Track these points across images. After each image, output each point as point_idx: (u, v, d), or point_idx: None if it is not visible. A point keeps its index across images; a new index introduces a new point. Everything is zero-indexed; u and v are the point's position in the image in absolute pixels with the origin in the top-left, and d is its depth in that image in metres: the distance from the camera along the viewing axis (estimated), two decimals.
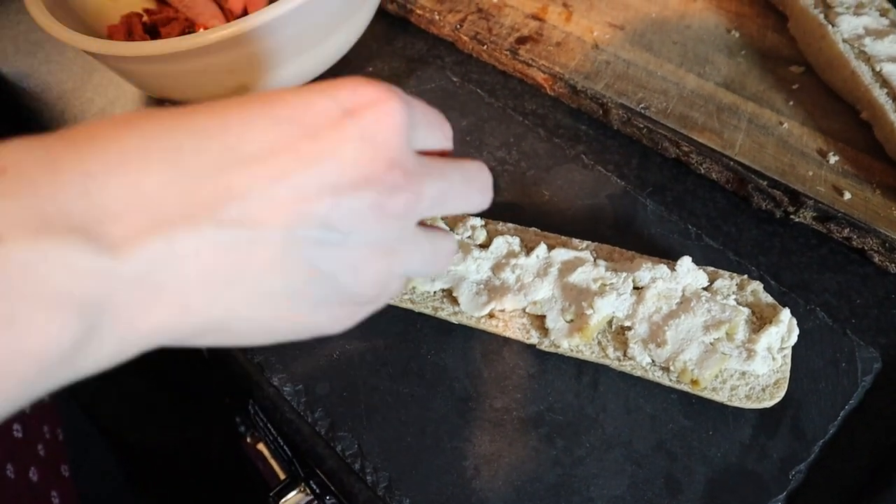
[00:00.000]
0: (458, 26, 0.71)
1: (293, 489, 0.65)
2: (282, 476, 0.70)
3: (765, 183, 0.58)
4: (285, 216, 0.26)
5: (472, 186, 0.35)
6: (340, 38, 0.65)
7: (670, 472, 0.48)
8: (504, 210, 0.60)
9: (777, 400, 0.48)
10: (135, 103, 0.72)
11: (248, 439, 0.80)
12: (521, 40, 0.69)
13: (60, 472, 0.69)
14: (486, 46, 0.69)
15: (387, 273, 0.31)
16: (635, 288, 0.51)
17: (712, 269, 0.52)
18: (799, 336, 0.49)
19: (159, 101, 0.71)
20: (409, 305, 0.53)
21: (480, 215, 0.57)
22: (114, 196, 0.23)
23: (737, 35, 0.69)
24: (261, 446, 0.75)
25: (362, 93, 0.29)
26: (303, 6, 0.55)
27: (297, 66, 0.63)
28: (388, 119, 0.29)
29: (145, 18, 0.70)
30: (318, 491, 0.62)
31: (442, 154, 0.36)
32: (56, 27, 0.59)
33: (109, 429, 0.90)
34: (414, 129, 0.32)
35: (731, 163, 0.59)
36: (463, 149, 0.64)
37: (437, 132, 0.35)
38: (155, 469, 0.97)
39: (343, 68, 0.71)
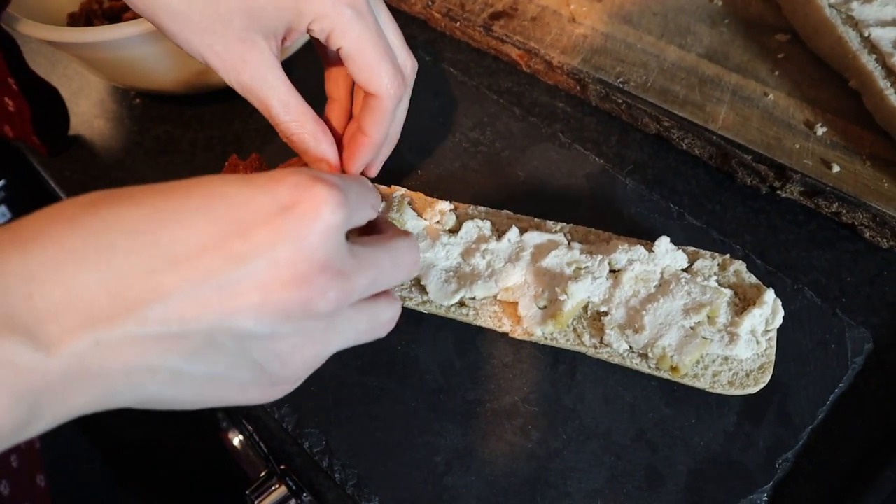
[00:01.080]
0: (430, 3, 0.68)
1: (270, 485, 0.63)
2: (261, 471, 0.68)
3: (749, 157, 0.55)
4: (210, 314, 0.28)
5: (402, 268, 0.36)
6: None
7: (651, 464, 0.46)
8: (477, 193, 0.57)
9: (762, 386, 0.46)
10: (99, 93, 0.70)
11: (229, 434, 0.79)
12: (495, 16, 0.66)
13: (36, 482, 0.68)
14: (458, 23, 0.67)
15: (315, 357, 0.33)
16: (611, 271, 0.49)
17: (693, 249, 0.50)
18: (786, 317, 0.47)
19: (123, 91, 0.69)
20: None
21: (453, 199, 0.54)
22: (51, 297, 0.26)
23: (719, 3, 0.66)
24: (240, 440, 0.73)
25: (303, 189, 0.30)
26: None
27: None
28: (325, 218, 0.29)
29: (106, 5, 0.67)
30: (294, 488, 0.60)
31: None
32: (9, 16, 0.56)
33: (89, 425, 0.89)
34: (349, 218, 0.32)
35: (714, 137, 0.57)
36: (436, 130, 0.61)
37: (368, 208, 0.35)
38: (137, 464, 0.96)
39: (311, 51, 0.68)
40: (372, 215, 0.36)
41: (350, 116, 0.49)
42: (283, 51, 0.47)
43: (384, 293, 0.37)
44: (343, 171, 0.47)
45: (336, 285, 0.30)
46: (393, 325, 0.38)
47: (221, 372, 0.30)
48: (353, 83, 0.48)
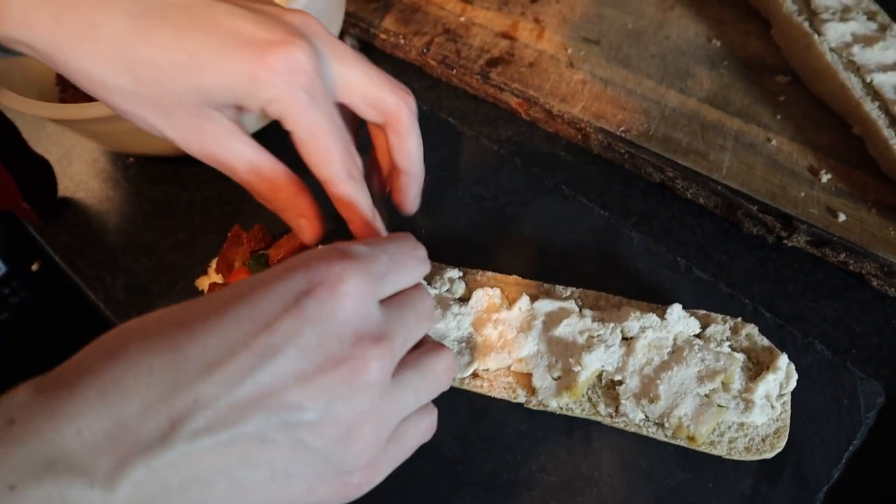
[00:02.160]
0: (425, 50, 0.67)
1: None
2: None
3: (755, 207, 0.55)
4: (254, 412, 0.28)
5: (424, 320, 0.37)
6: None
7: None
8: (482, 252, 0.57)
9: (778, 450, 0.46)
10: (91, 153, 0.69)
11: None
12: (492, 62, 0.66)
13: None
14: (455, 70, 0.66)
15: (378, 433, 0.32)
16: (624, 338, 0.49)
17: (703, 312, 0.50)
18: (798, 373, 0.47)
19: (116, 155, 0.68)
20: None
21: (458, 264, 0.54)
22: (99, 430, 0.26)
23: (718, 44, 0.66)
24: None
25: (315, 269, 0.30)
26: None
27: None
28: (347, 292, 0.30)
29: None
30: None
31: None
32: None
33: None
34: (382, 282, 0.32)
35: (719, 187, 0.56)
36: (438, 185, 0.61)
37: (407, 269, 0.36)
38: None
39: None
40: (416, 278, 0.37)
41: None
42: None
43: (429, 345, 0.37)
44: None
45: (376, 353, 0.31)
46: (452, 373, 0.38)
47: (281, 470, 0.30)
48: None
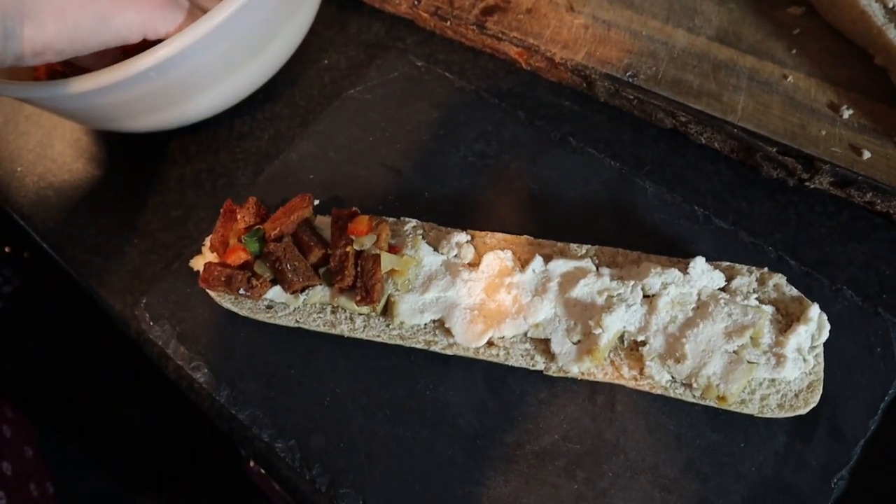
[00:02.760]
0: (416, 2, 0.63)
1: None
2: None
3: (774, 149, 0.52)
4: None
5: None
6: (281, 42, 0.58)
7: (703, 496, 0.44)
8: (489, 213, 0.54)
9: (812, 405, 0.44)
10: (73, 132, 0.65)
11: (251, 464, 0.77)
12: (488, 11, 0.62)
13: (45, 490, 0.66)
14: (449, 22, 0.62)
15: None
16: (645, 296, 0.46)
17: (727, 264, 0.47)
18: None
19: (99, 132, 0.65)
20: (398, 341, 0.48)
21: (465, 227, 0.51)
22: None
23: None
24: (265, 474, 0.72)
25: None
26: (220, 28, 0.49)
27: (240, 77, 0.56)
28: None
29: None
30: None
31: None
32: None
33: (101, 437, 0.87)
34: None
35: (735, 130, 0.53)
36: (438, 145, 0.57)
37: None
38: (150, 475, 0.95)
39: (294, 66, 0.64)
40: None
41: None
42: None
43: None
44: None
45: None
46: None
47: None
48: None
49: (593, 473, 0.45)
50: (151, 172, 0.62)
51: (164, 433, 0.99)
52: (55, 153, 0.64)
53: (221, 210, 0.51)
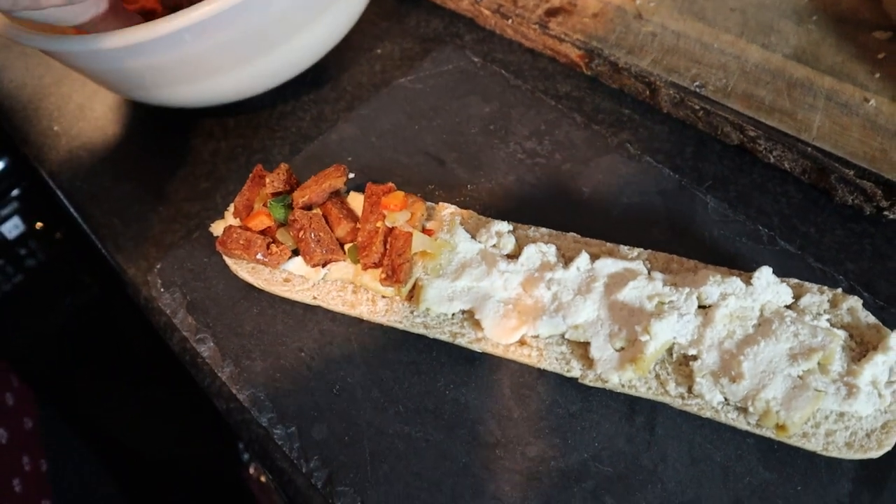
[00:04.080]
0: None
1: None
2: None
3: (851, 172, 0.48)
4: None
5: None
6: (324, 25, 0.55)
7: None
8: (535, 211, 0.50)
9: (887, 449, 0.38)
10: (115, 98, 0.64)
11: (251, 470, 0.72)
12: (552, 12, 0.59)
13: None
14: (510, 21, 0.60)
15: None
16: (701, 307, 0.41)
17: (796, 281, 0.42)
18: None
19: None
20: (422, 330, 0.44)
21: (508, 218, 0.47)
22: None
23: None
24: (263, 479, 0.67)
25: None
26: None
27: (282, 54, 0.54)
28: None
29: None
30: None
31: None
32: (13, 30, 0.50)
33: (102, 435, 0.83)
34: None
35: (809, 149, 0.49)
36: (486, 139, 0.54)
37: None
38: (152, 487, 0.90)
39: (346, 52, 0.62)
40: None
41: None
42: None
43: None
44: None
45: None
46: None
47: None
48: None
49: (624, 501, 0.40)
50: (185, 144, 0.59)
51: (163, 439, 0.95)
52: (94, 116, 0.62)
53: (251, 175, 0.48)
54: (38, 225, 0.85)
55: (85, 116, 0.62)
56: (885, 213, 0.48)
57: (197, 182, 0.56)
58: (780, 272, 0.45)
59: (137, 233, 0.54)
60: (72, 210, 0.57)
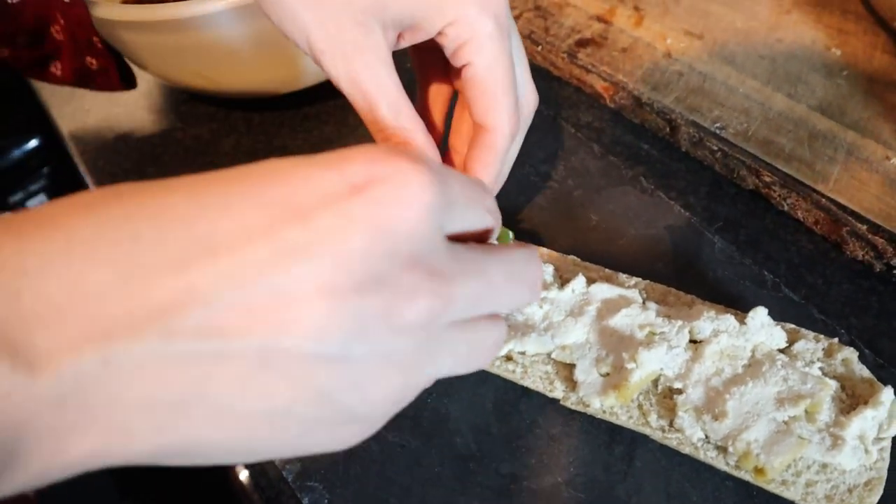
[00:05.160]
0: None
1: None
2: None
3: (864, 227, 0.47)
4: (260, 327, 0.21)
5: (518, 284, 0.28)
6: None
7: None
8: (541, 233, 0.50)
9: None
10: (147, 84, 0.66)
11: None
12: (582, 43, 0.60)
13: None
14: (540, 47, 0.61)
15: (403, 388, 0.25)
16: (692, 341, 0.41)
17: (792, 326, 0.42)
18: None
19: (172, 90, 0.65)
20: None
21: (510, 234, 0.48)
22: (46, 298, 0.19)
23: (838, 53, 0.58)
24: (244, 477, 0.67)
25: (381, 164, 0.22)
26: None
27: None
28: (413, 199, 0.22)
29: None
30: None
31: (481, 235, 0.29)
32: None
33: None
34: (449, 210, 0.24)
35: (823, 200, 0.48)
36: None
37: (478, 209, 0.27)
38: (142, 478, 0.90)
39: None
40: (487, 221, 0.28)
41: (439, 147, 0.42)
42: None
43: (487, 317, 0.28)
44: None
45: (429, 288, 0.23)
46: (497, 351, 0.29)
47: (280, 408, 0.22)
48: (448, 111, 0.42)
49: None
50: (209, 136, 0.61)
51: None
52: (125, 100, 0.64)
53: None
54: None
55: (118, 99, 0.64)
56: None
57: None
58: (781, 320, 0.45)
59: None
60: (92, 188, 0.59)
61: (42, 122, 0.67)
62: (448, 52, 0.37)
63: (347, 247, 0.21)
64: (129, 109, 0.64)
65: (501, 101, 0.37)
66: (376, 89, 0.36)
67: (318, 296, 0.21)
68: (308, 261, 0.21)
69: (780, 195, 0.50)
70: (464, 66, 0.37)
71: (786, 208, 0.51)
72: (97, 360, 0.19)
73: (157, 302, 0.20)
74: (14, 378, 0.19)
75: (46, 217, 0.21)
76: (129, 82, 0.56)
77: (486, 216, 0.28)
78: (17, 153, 0.76)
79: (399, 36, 0.37)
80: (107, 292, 0.20)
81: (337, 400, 0.23)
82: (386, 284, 0.22)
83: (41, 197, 0.78)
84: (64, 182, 0.79)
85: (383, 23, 0.35)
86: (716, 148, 0.52)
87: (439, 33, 0.36)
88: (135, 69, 0.67)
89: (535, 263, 0.29)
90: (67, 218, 0.21)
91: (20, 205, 0.77)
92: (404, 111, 0.37)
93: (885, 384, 0.41)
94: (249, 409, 0.22)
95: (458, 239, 0.26)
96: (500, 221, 0.30)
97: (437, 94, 0.43)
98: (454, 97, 0.43)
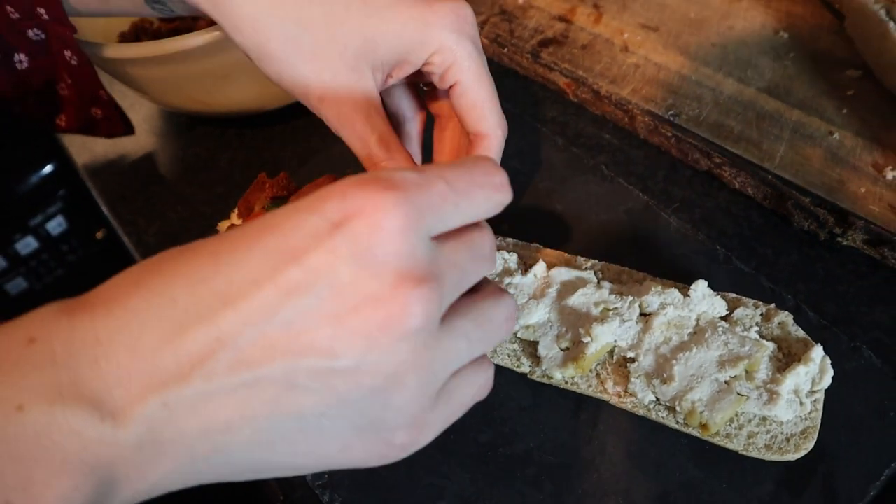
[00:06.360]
0: (479, 28, 0.66)
1: None
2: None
3: (808, 200, 0.51)
4: (280, 355, 0.25)
5: (482, 260, 0.30)
6: None
7: None
8: (508, 223, 0.54)
9: (803, 453, 0.41)
10: (150, 109, 0.71)
11: None
12: (545, 42, 0.64)
13: None
14: (506, 49, 0.65)
15: (424, 387, 0.28)
16: (642, 314, 0.45)
17: (734, 295, 0.46)
18: (838, 378, 0.42)
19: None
20: None
21: None
22: (117, 361, 0.24)
23: (785, 36, 0.62)
24: None
25: (351, 199, 0.26)
26: None
27: None
28: (384, 223, 0.25)
29: (156, 25, 0.69)
30: None
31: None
32: None
33: None
34: (434, 215, 0.27)
35: (769, 176, 0.52)
36: None
37: (474, 196, 0.29)
38: None
39: None
40: (483, 209, 0.30)
41: None
42: None
43: (488, 290, 0.31)
44: None
45: (419, 295, 0.26)
46: (513, 323, 0.32)
47: (313, 422, 0.26)
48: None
49: (562, 488, 0.43)
50: (207, 153, 0.66)
51: None
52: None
53: (254, 182, 0.54)
54: (99, 235, 0.92)
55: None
56: (839, 239, 0.51)
57: (213, 186, 0.63)
58: (734, 290, 0.49)
59: (158, 230, 0.61)
60: (104, 209, 0.64)
61: (56, 150, 0.73)
62: (435, 78, 0.42)
63: (338, 278, 0.25)
64: (134, 134, 0.69)
65: (491, 108, 0.42)
66: (368, 127, 0.40)
67: (324, 321, 0.25)
68: (308, 294, 0.25)
69: (730, 174, 0.54)
70: (451, 86, 0.41)
71: (737, 186, 0.55)
72: (159, 405, 0.24)
73: (196, 351, 0.25)
74: (103, 428, 0.24)
75: (110, 296, 0.26)
76: (129, 128, 0.62)
77: (483, 205, 0.30)
78: (34, 179, 0.82)
79: (388, 75, 0.42)
80: (158, 350, 0.25)
81: (362, 407, 0.26)
82: (379, 300, 0.25)
83: (59, 218, 0.84)
84: (79, 203, 0.84)
85: (373, 65, 0.40)
86: (670, 134, 0.56)
87: (426, 63, 0.41)
88: (137, 97, 0.72)
89: (487, 237, 0.31)
90: (124, 295, 0.26)
91: (41, 227, 0.82)
92: (393, 145, 0.41)
93: (828, 345, 0.45)
94: (285, 424, 0.26)
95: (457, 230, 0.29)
96: (509, 195, 0.31)
97: (412, 128, 0.48)
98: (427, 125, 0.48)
